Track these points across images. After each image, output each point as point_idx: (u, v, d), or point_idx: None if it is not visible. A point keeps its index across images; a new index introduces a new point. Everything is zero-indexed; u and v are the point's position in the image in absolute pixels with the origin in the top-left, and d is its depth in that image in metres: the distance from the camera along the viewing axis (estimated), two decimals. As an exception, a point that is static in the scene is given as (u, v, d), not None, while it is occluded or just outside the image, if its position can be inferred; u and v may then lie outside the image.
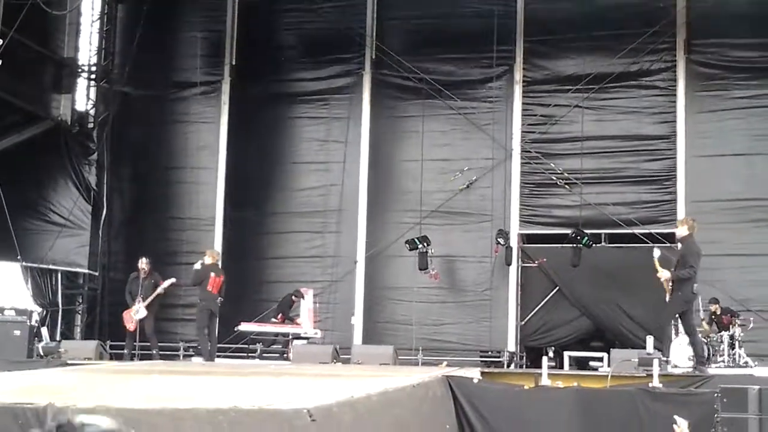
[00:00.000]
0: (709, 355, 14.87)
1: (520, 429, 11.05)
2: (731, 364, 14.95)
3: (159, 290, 16.00)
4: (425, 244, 18.24)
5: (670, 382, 12.50)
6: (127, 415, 5.02)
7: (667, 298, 12.62)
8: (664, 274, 12.46)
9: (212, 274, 15.37)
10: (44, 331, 15.89)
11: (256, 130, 20.07)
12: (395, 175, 19.55)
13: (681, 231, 12.71)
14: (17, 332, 14.87)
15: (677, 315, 13.13)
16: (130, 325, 16.02)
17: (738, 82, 18.14)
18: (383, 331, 18.89)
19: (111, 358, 16.08)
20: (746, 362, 15.10)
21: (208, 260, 15.56)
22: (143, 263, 16.22)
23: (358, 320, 18.89)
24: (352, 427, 7.60)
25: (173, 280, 16.42)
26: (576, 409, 10.96)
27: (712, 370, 14.09)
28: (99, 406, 4.86)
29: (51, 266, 19.00)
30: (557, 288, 18.62)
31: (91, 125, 20.53)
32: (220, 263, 16.15)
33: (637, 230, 18.10)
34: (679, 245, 12.80)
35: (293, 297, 17.95)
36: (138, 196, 20.60)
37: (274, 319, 17.85)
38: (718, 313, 16.45)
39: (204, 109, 20.46)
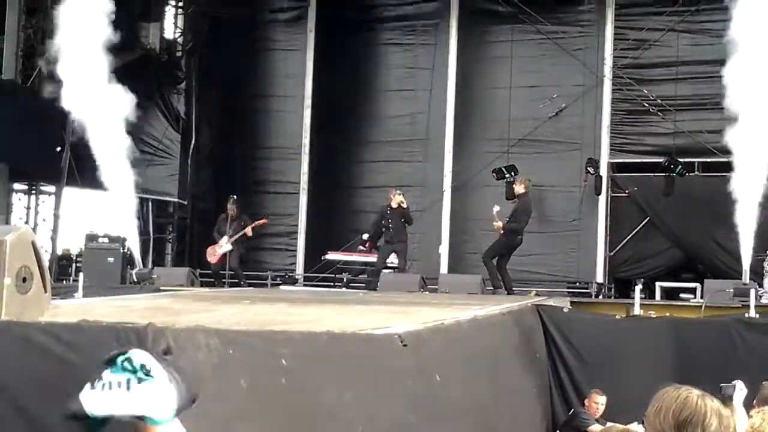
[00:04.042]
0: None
1: (612, 359, 10.93)
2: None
3: (247, 230, 16.30)
4: (513, 173, 17.95)
5: (766, 313, 12.22)
6: (225, 336, 5.03)
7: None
8: (497, 224, 15.17)
9: None
10: (137, 257, 16.25)
11: (342, 58, 19.92)
12: (482, 103, 19.25)
13: (518, 189, 15.37)
14: (111, 259, 15.20)
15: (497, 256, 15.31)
16: (212, 258, 16.38)
17: None
18: (470, 261, 18.75)
19: (201, 286, 16.38)
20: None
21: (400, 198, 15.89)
22: (231, 207, 16.43)
23: (444, 250, 18.80)
24: (442, 352, 7.59)
25: (264, 221, 16.77)
26: (669, 339, 10.77)
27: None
28: (197, 327, 4.88)
29: (142, 195, 19.30)
30: (648, 218, 18.24)
31: (179, 53, 20.62)
32: None
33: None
34: (516, 200, 15.55)
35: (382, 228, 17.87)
36: (226, 125, 20.73)
37: (361, 247, 17.86)
38: None
39: (290, 36, 20.39)
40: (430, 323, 7.79)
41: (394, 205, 16.05)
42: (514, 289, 16.80)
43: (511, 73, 18.81)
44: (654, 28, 18.20)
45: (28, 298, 5.14)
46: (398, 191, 16.42)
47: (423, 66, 19.54)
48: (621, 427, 4.27)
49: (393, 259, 17.20)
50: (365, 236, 17.19)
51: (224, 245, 16.28)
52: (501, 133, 18.84)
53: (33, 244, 5.16)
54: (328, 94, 19.92)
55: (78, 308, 8.38)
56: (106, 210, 16.80)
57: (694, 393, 2.85)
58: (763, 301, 13.42)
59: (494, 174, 18.11)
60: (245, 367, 5.10)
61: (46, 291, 5.24)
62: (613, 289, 18.18)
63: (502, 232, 15.30)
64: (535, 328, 10.86)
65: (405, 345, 6.74)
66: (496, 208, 15.45)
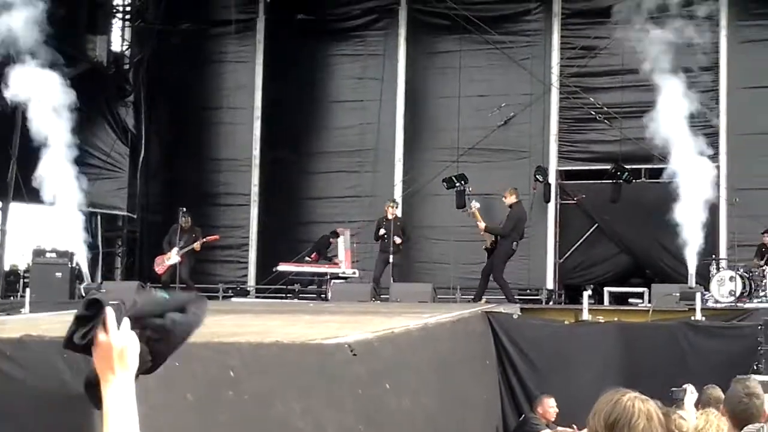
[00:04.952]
0: (750, 289, 14.70)
1: (561, 364, 11.05)
2: (774, 299, 14.75)
3: (195, 245, 16.30)
4: (463, 182, 18.05)
5: (712, 315, 12.45)
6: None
7: (485, 246, 15.66)
8: (480, 224, 15.40)
9: None
10: (86, 272, 16.12)
11: (291, 69, 19.88)
12: (432, 112, 19.34)
13: (509, 200, 15.65)
14: (59, 274, 15.03)
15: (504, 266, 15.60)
16: (159, 268, 16.34)
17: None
18: (421, 270, 18.81)
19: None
20: (790, 297, 14.89)
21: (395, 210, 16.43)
22: (183, 220, 16.40)
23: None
24: (392, 361, 7.62)
25: (216, 237, 16.81)
26: (617, 343, 10.93)
27: (753, 304, 13.98)
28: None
29: (91, 209, 19.10)
30: (596, 225, 18.43)
31: (126, 66, 20.47)
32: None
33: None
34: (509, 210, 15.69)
35: (330, 238, 17.95)
36: (175, 138, 20.58)
37: (308, 258, 17.89)
38: None
39: (239, 48, 20.29)
40: (381, 332, 7.82)
41: (390, 216, 16.50)
42: (464, 297, 16.94)
43: (459, 82, 18.90)
44: (599, 37, 18.42)
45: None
46: (393, 203, 16.84)
47: (372, 76, 19.56)
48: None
49: (345, 269, 17.23)
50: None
51: (172, 256, 16.27)
52: (450, 142, 18.91)
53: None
54: (278, 105, 19.89)
55: (24, 324, 8.30)
56: (53, 225, 16.62)
57: (628, 395, 2.94)
58: (710, 304, 13.65)
59: (444, 183, 18.18)
60: (192, 380, 5.09)
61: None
62: (563, 296, 18.33)
63: (483, 233, 15.59)
64: (486, 335, 10.94)
65: (355, 354, 6.77)
66: (476, 204, 15.75)
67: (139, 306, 2.31)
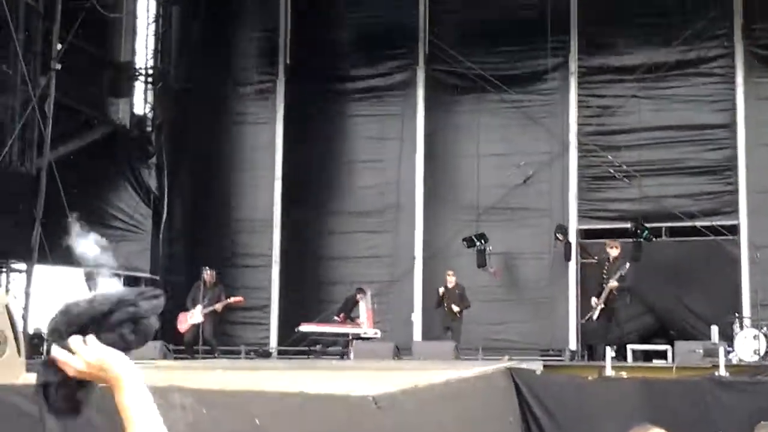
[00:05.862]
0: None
1: (585, 420, 10.93)
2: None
3: (217, 306, 16.28)
4: (483, 241, 18.09)
5: (736, 372, 12.36)
6: (201, 395, 5.06)
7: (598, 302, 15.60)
8: (613, 284, 15.39)
9: None
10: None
11: (311, 129, 20.11)
12: (451, 172, 19.44)
13: (614, 252, 15.79)
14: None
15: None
16: (183, 326, 16.27)
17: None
18: (442, 328, 18.74)
19: (174, 359, 16.25)
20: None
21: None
22: (207, 274, 16.42)
23: (417, 318, 18.79)
24: (415, 414, 7.61)
25: (240, 299, 16.78)
26: (641, 400, 10.82)
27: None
28: (172, 386, 4.91)
29: (114, 271, 19.17)
30: (618, 285, 18.33)
31: (149, 128, 20.71)
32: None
33: (698, 222, 17.82)
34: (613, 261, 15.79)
35: (357, 295, 17.88)
36: (197, 199, 20.74)
37: (336, 318, 17.81)
38: None
39: (260, 109, 20.52)
40: (404, 386, 7.81)
41: (450, 285, 16.72)
42: (486, 357, 16.86)
43: (478, 141, 19.02)
44: (617, 95, 18.57)
45: (3, 361, 5.15)
46: (451, 272, 17.02)
47: (391, 136, 19.71)
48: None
49: (367, 330, 17.18)
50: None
51: (195, 315, 16.20)
52: (470, 201, 18.99)
53: (7, 308, 5.18)
54: (298, 165, 20.03)
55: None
56: (78, 287, 16.70)
57: (653, 430, 3.04)
58: (733, 361, 13.55)
59: (464, 242, 18.23)
60: (219, 426, 5.11)
61: (20, 355, 5.26)
62: (586, 356, 18.17)
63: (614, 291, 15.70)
64: (509, 391, 10.87)
65: (379, 407, 6.76)
66: (627, 266, 15.76)
67: (84, 314, 2.11)
